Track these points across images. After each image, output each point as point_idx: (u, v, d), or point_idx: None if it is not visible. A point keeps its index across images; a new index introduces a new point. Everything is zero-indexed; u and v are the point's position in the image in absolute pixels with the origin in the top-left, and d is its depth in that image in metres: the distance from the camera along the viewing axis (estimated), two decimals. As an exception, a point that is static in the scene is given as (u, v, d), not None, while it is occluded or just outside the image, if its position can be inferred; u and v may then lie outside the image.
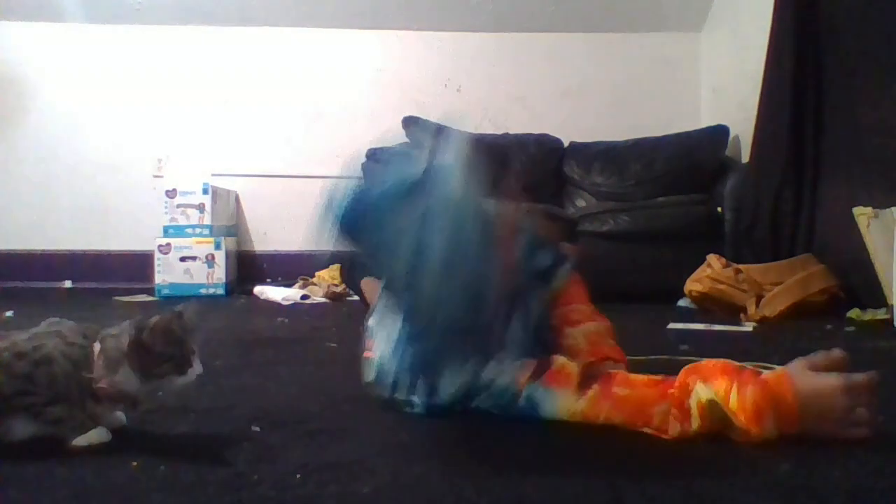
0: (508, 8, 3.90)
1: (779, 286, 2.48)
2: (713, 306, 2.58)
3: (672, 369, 1.00)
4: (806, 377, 0.91)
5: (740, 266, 2.59)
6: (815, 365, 0.93)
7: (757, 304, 2.46)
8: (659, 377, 1.01)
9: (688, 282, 2.67)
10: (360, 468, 0.82)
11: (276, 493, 0.75)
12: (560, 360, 1.07)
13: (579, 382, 1.02)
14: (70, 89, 3.87)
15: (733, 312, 2.48)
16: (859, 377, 0.89)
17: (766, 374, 0.95)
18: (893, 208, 2.25)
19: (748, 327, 2.23)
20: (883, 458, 0.89)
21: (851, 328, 2.19)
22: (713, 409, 0.92)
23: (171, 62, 3.92)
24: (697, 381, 0.94)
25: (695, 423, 0.93)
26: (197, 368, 0.90)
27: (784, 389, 0.91)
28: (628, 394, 0.98)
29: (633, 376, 1.02)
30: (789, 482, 0.78)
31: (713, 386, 0.92)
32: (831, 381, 0.90)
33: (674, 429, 0.94)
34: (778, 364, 1.45)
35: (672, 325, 2.21)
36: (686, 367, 0.98)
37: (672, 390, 0.95)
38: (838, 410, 0.89)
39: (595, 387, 1.01)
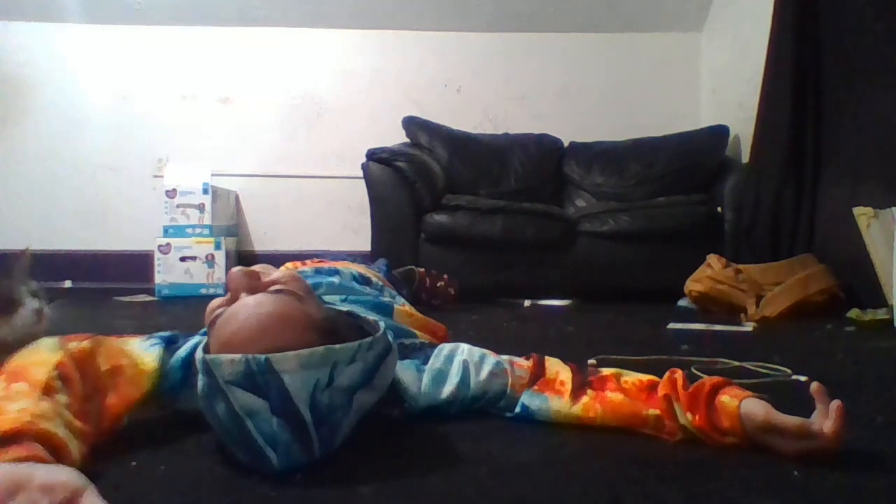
0: (508, 8, 3.90)
1: (779, 286, 2.48)
2: (713, 306, 2.58)
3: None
4: (761, 409, 0.87)
5: (740, 266, 2.59)
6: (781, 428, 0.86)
7: (757, 304, 2.46)
8: (647, 381, 1.00)
9: (688, 282, 2.67)
10: (360, 468, 0.82)
11: (276, 493, 0.75)
12: (553, 368, 1.07)
13: (573, 389, 1.02)
14: (70, 89, 3.87)
15: (733, 312, 2.48)
16: (818, 425, 0.83)
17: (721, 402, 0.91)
18: (893, 208, 2.25)
19: (748, 327, 2.24)
20: (883, 458, 0.89)
21: (851, 328, 2.19)
22: (686, 432, 0.93)
23: (171, 62, 3.92)
24: (675, 401, 0.94)
25: (681, 435, 0.94)
26: (30, 305, 0.89)
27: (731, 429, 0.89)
28: (622, 399, 0.99)
29: (625, 379, 1.02)
30: (789, 482, 0.78)
31: (685, 411, 0.93)
32: (787, 420, 0.85)
33: (673, 435, 0.94)
34: (779, 364, 1.45)
35: (672, 325, 2.21)
36: (668, 379, 0.97)
37: (659, 400, 0.96)
38: (789, 441, 0.85)
39: (589, 392, 1.01)
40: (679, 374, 0.97)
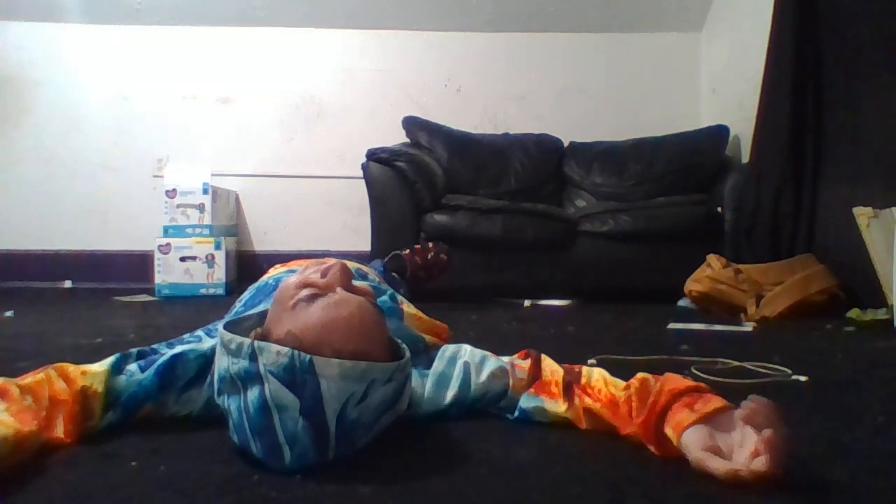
0: (508, 8, 3.90)
1: (779, 286, 2.48)
2: (713, 306, 2.58)
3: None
4: (692, 452, 0.81)
5: (740, 266, 2.59)
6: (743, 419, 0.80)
7: (757, 304, 2.46)
8: (618, 398, 0.96)
9: (688, 282, 2.67)
10: (360, 468, 0.82)
11: (276, 493, 0.75)
12: (548, 369, 1.07)
13: (563, 389, 1.02)
14: (70, 89, 3.87)
15: (733, 312, 2.48)
16: (746, 470, 0.75)
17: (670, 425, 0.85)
18: (893, 208, 2.25)
19: (748, 327, 2.24)
20: (883, 458, 0.89)
21: (851, 328, 2.19)
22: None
23: (171, 62, 3.92)
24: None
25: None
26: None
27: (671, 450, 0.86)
28: (598, 408, 0.98)
29: (599, 388, 0.99)
30: (789, 482, 0.78)
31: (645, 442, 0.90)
32: (715, 464, 0.78)
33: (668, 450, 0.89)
34: (779, 364, 1.46)
35: (672, 325, 2.21)
36: (625, 402, 0.94)
37: (638, 421, 0.91)
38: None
39: (578, 392, 1.01)
40: (633, 391, 0.93)
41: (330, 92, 3.95)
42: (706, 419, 0.82)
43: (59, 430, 0.89)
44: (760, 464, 0.74)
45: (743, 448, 0.77)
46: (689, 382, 0.90)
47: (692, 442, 0.81)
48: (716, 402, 0.84)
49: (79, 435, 0.92)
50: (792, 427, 0.79)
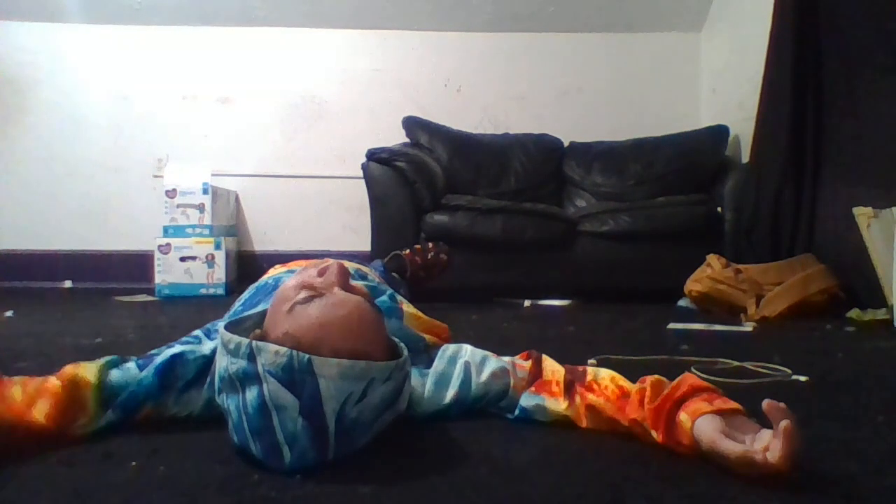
0: (508, 8, 3.90)
1: (779, 286, 2.48)
2: (713, 306, 2.58)
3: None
4: (708, 433, 0.82)
5: (740, 266, 2.59)
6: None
7: (757, 304, 2.46)
8: (624, 389, 0.97)
9: (688, 282, 2.67)
10: (360, 468, 0.82)
11: (276, 493, 0.75)
12: (549, 368, 1.07)
13: (564, 388, 1.02)
14: (70, 89, 3.87)
15: (733, 312, 2.48)
16: (761, 455, 0.76)
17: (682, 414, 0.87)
18: (893, 208, 2.25)
19: (748, 327, 2.24)
20: (883, 458, 0.89)
21: (851, 328, 2.19)
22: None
23: (171, 62, 3.92)
24: (642, 420, 0.92)
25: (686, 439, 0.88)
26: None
27: (682, 436, 0.86)
28: (601, 403, 0.98)
29: (606, 385, 0.99)
30: (789, 482, 0.78)
31: (650, 428, 0.91)
32: (729, 446, 0.79)
33: (655, 443, 0.91)
34: (779, 364, 1.46)
35: (672, 325, 2.21)
36: (638, 391, 0.95)
37: (650, 406, 0.91)
38: (736, 467, 0.80)
39: (578, 397, 1.01)
40: (649, 384, 0.94)
41: (330, 92, 3.95)
42: (723, 414, 0.84)
43: (41, 414, 0.88)
44: (775, 453, 0.75)
45: (756, 445, 0.78)
46: (709, 384, 0.92)
47: (707, 427, 0.83)
48: (735, 404, 0.86)
49: (63, 423, 0.90)
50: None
